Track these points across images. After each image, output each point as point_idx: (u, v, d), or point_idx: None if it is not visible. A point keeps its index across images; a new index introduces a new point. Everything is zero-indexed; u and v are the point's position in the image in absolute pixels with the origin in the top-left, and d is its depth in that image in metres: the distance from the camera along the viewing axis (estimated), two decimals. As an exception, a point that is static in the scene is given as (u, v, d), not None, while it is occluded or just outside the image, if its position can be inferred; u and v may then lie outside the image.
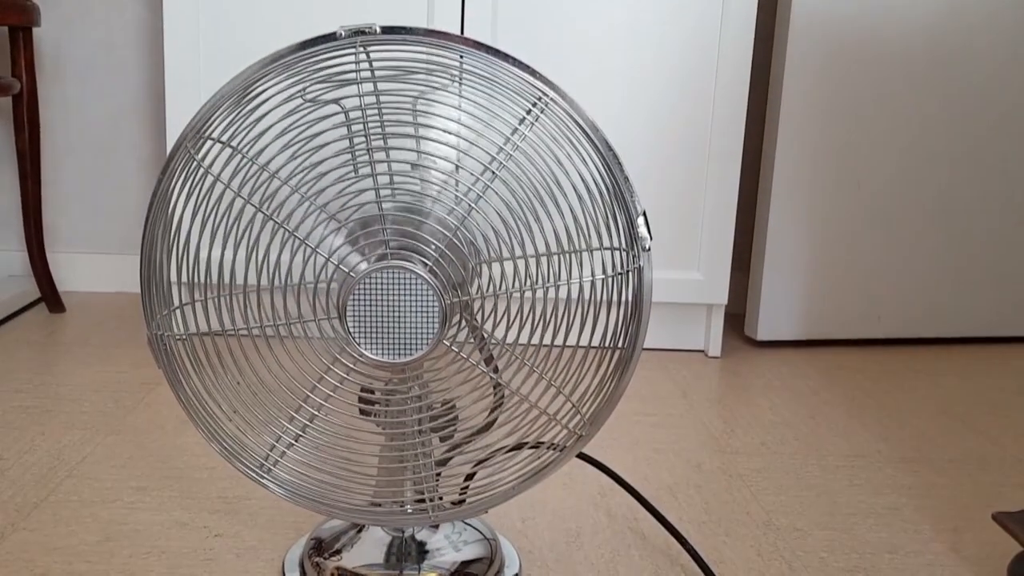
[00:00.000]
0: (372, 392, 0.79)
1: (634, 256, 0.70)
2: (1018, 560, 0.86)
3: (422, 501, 0.76)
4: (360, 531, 0.84)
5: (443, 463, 0.77)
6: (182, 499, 0.99)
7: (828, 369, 1.58)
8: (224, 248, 0.67)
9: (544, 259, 0.70)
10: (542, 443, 0.78)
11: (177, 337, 0.73)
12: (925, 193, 1.68)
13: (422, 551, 0.82)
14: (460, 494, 0.77)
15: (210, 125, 0.69)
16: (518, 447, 0.78)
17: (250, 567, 0.86)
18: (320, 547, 0.84)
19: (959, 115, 1.66)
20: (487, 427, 0.79)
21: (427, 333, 0.68)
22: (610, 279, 0.70)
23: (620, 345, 0.72)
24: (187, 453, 1.12)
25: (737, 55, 1.52)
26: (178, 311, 0.75)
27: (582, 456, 0.97)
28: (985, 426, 1.34)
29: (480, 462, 0.78)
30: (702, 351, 1.66)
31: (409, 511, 0.77)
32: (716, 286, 1.59)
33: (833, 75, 1.60)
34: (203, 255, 0.69)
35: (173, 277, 0.73)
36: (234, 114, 0.68)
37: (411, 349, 0.69)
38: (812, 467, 1.16)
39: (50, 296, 1.72)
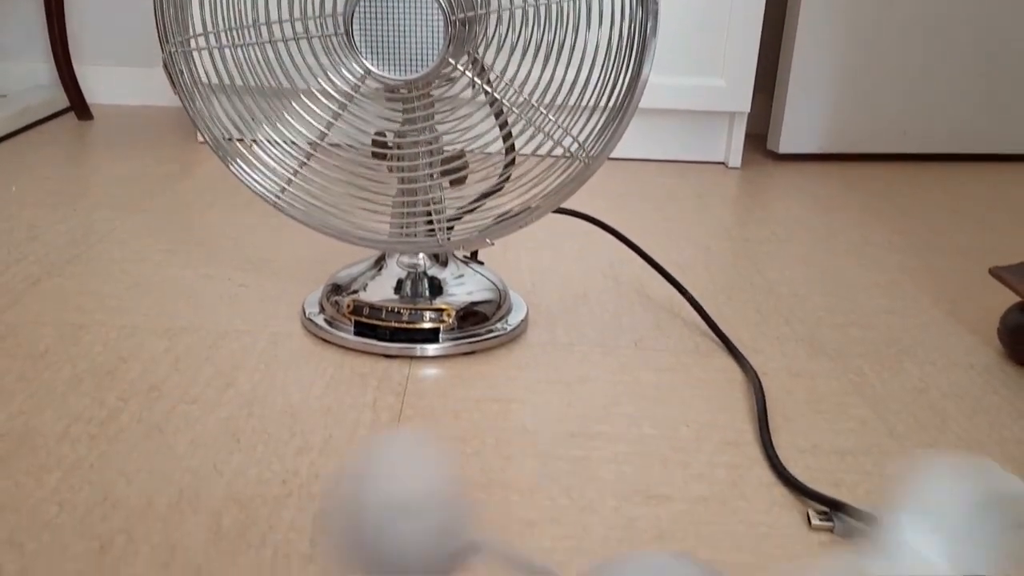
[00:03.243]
0: (384, 136, 0.81)
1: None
2: (1012, 310, 0.88)
3: (431, 229, 0.79)
4: (376, 271, 0.88)
5: (456, 181, 0.80)
6: (208, 260, 1.04)
7: (849, 180, 1.58)
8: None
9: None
10: (528, 208, 0.80)
11: (193, 48, 0.74)
12: (957, 7, 1.62)
13: (434, 287, 0.86)
14: (467, 220, 0.80)
15: None
16: (509, 216, 0.80)
17: (272, 308, 0.91)
18: (338, 288, 0.88)
19: (1003, -84, 1.58)
20: (511, 163, 0.82)
21: (432, 50, 0.69)
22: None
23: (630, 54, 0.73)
24: (213, 226, 1.16)
25: None
26: (192, 40, 0.76)
27: (590, 219, 1.00)
28: (1003, 225, 1.34)
29: (485, 196, 0.81)
30: (722, 163, 1.66)
31: (419, 237, 0.80)
32: (739, 93, 1.57)
33: None
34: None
35: None
36: None
37: (416, 66, 0.70)
38: (820, 251, 1.18)
39: (77, 103, 1.74)
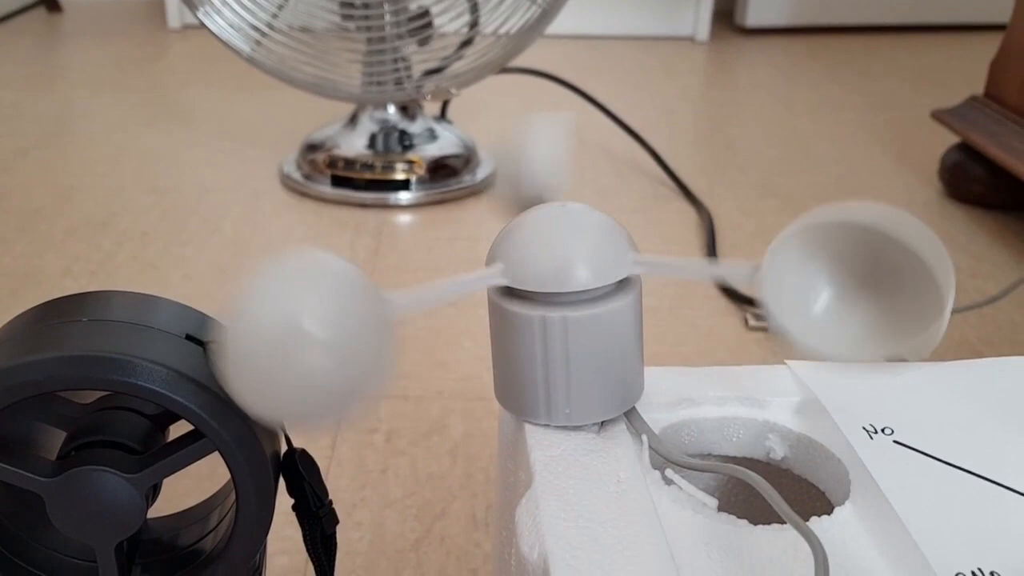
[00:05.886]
0: (351, -4, 0.84)
1: None
2: (951, 150, 0.93)
3: (400, 80, 0.83)
4: (350, 128, 0.92)
5: (423, 41, 0.83)
6: (186, 130, 1.08)
7: (813, 50, 1.61)
8: None
9: None
10: (488, 56, 0.83)
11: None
12: None
13: (405, 141, 0.90)
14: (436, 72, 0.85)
15: None
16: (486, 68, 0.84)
17: (251, 169, 0.95)
18: (313, 147, 0.93)
19: None
20: (474, 23, 0.85)
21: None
22: None
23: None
24: (189, 101, 1.19)
25: None
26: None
27: (554, 78, 1.04)
28: (960, 86, 1.39)
29: (460, 48, 0.85)
30: (690, 37, 1.68)
31: (388, 86, 0.84)
32: (704, -35, 1.58)
33: None
34: None
35: None
36: None
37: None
38: (780, 112, 1.23)
39: (46, -5, 1.73)
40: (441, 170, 0.90)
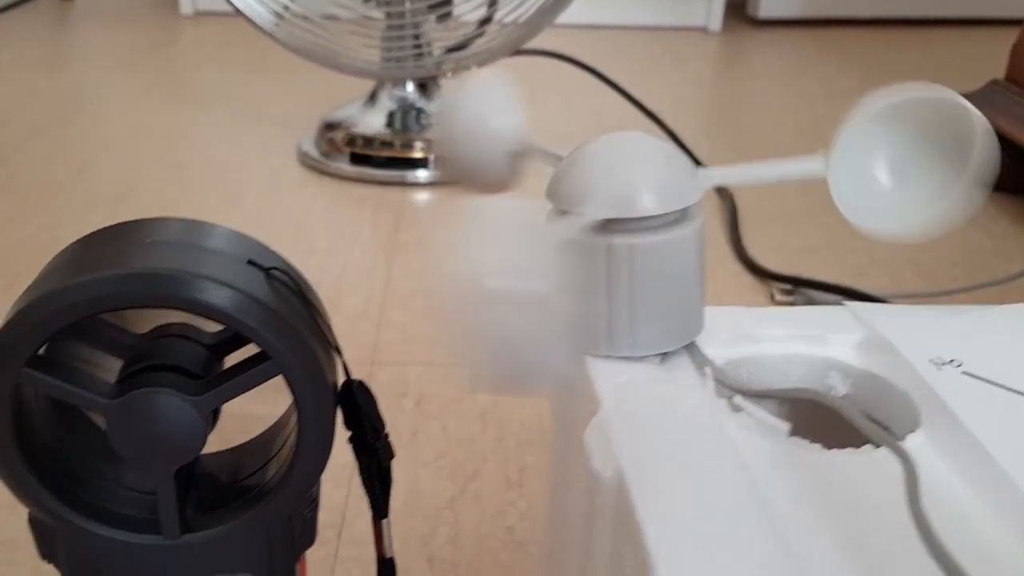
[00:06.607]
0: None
1: None
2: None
3: (420, 56, 0.83)
4: (368, 106, 0.92)
5: (442, 17, 0.83)
6: (203, 110, 1.07)
7: (826, 41, 1.61)
8: None
9: None
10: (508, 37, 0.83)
11: None
12: None
13: (423, 119, 0.90)
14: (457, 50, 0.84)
15: None
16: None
17: (269, 147, 0.95)
18: (332, 126, 0.92)
19: None
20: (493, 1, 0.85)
21: None
22: None
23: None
24: (204, 83, 1.19)
25: None
26: None
27: (577, 63, 1.04)
28: (972, 78, 1.38)
29: (482, 24, 0.85)
30: (702, 28, 1.68)
31: (408, 63, 0.84)
32: (717, -45, 1.58)
33: None
34: None
35: None
36: None
37: None
38: (793, 99, 1.23)
39: (58, -19, 1.73)
40: (460, 149, 0.90)
